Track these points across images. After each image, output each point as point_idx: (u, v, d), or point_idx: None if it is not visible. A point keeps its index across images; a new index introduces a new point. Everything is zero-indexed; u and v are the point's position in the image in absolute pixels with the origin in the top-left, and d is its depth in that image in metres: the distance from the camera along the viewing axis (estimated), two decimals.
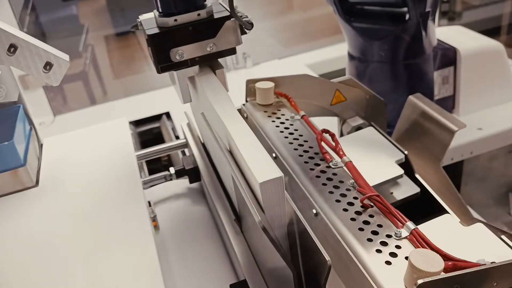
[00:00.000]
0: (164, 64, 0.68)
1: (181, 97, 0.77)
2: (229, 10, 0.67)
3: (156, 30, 0.67)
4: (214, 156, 0.79)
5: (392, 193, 0.82)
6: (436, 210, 0.79)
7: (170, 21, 0.66)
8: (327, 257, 0.40)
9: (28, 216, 0.68)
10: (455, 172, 1.31)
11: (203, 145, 0.88)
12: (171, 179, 0.89)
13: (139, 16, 0.72)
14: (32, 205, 0.70)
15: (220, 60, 0.74)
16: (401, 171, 0.78)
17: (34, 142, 0.80)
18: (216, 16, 0.68)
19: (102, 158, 0.80)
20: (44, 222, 0.67)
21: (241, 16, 0.68)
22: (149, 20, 0.70)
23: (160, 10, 0.68)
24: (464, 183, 1.35)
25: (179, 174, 0.89)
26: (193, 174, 0.89)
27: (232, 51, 0.72)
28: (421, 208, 0.80)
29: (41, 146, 0.84)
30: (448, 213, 0.77)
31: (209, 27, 0.68)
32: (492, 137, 1.25)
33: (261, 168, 0.50)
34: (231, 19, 0.68)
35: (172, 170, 0.89)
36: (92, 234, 0.65)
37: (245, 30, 0.70)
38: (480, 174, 1.36)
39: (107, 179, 0.75)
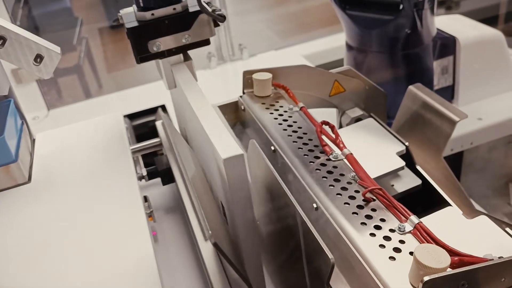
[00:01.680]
0: (142, 55, 0.74)
1: (166, 84, 0.82)
2: (198, 4, 0.70)
3: (135, 24, 0.72)
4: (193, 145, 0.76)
5: (393, 185, 0.80)
6: (438, 203, 0.78)
7: (147, 15, 0.71)
8: (330, 255, 0.38)
9: (21, 213, 0.67)
10: (455, 162, 1.30)
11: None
12: (144, 180, 0.86)
13: (120, 11, 0.75)
14: (24, 202, 0.68)
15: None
16: (402, 163, 0.76)
17: (26, 137, 0.78)
18: (190, 10, 0.74)
19: (96, 152, 0.78)
20: (37, 219, 0.65)
21: (213, 9, 0.70)
22: (129, 14, 0.74)
23: (139, 5, 0.73)
24: (463, 174, 1.34)
25: (152, 175, 0.86)
26: (166, 176, 0.86)
27: (206, 42, 0.77)
28: (422, 200, 0.79)
29: (33, 141, 0.82)
30: (450, 205, 0.76)
31: (184, 20, 0.74)
32: (492, 127, 1.23)
33: (225, 146, 0.50)
34: None
35: (144, 171, 0.86)
36: (86, 230, 0.63)
37: (218, 23, 0.75)
38: (480, 165, 1.35)
39: (101, 174, 0.73)
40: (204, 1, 0.74)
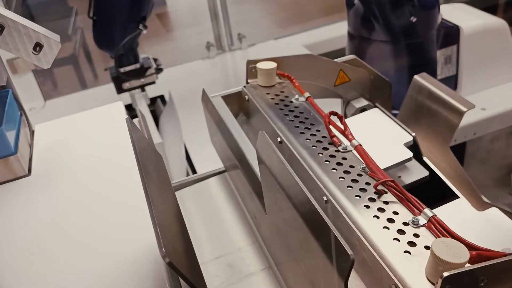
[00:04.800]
0: (120, 90, 1.55)
1: (133, 102, 1.64)
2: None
3: (115, 74, 1.53)
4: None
5: (400, 176, 0.79)
6: (445, 194, 0.77)
7: (121, 70, 1.51)
8: (349, 252, 0.37)
9: (21, 206, 0.65)
10: (457, 153, 1.29)
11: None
12: None
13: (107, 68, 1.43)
14: (24, 195, 0.67)
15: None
16: (410, 154, 0.75)
17: (25, 128, 0.76)
18: (145, 66, 1.53)
19: (98, 144, 0.76)
20: (38, 212, 0.63)
21: (158, 65, 1.58)
22: (112, 68, 1.56)
23: (116, 64, 1.51)
24: (466, 164, 1.33)
25: None
26: None
27: (153, 82, 1.58)
28: (429, 192, 0.78)
29: (32, 132, 0.80)
30: (458, 197, 0.75)
31: (140, 71, 1.53)
32: (496, 117, 1.23)
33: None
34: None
35: None
36: (88, 223, 0.61)
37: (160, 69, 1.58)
38: (482, 155, 1.34)
39: (103, 165, 0.71)
40: (152, 58, 1.55)
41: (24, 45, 0.62)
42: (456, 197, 0.75)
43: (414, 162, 0.79)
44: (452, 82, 1.28)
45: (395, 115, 0.93)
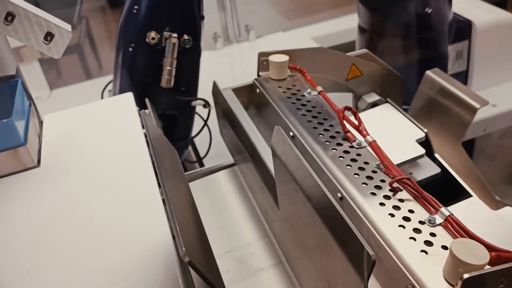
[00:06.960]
0: None
1: None
2: None
3: None
4: None
5: (411, 173, 0.78)
6: (456, 192, 0.76)
7: None
8: (371, 252, 0.36)
9: (31, 197, 0.64)
10: (466, 149, 1.28)
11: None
12: None
13: None
14: (34, 186, 0.66)
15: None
16: (422, 150, 0.74)
17: (34, 119, 0.75)
18: None
19: (108, 135, 0.75)
20: (48, 204, 0.63)
21: None
22: None
23: None
24: (475, 161, 1.32)
25: None
26: None
27: None
28: (440, 189, 0.77)
29: (41, 123, 0.79)
30: (471, 195, 0.74)
31: None
32: (506, 113, 1.21)
33: None
34: None
35: None
36: (99, 215, 0.60)
37: None
38: (491, 152, 1.33)
39: (113, 157, 0.70)
40: None
41: (35, 34, 0.61)
42: (468, 194, 0.74)
43: (425, 158, 0.78)
44: (462, 77, 1.27)
45: (405, 110, 0.92)
